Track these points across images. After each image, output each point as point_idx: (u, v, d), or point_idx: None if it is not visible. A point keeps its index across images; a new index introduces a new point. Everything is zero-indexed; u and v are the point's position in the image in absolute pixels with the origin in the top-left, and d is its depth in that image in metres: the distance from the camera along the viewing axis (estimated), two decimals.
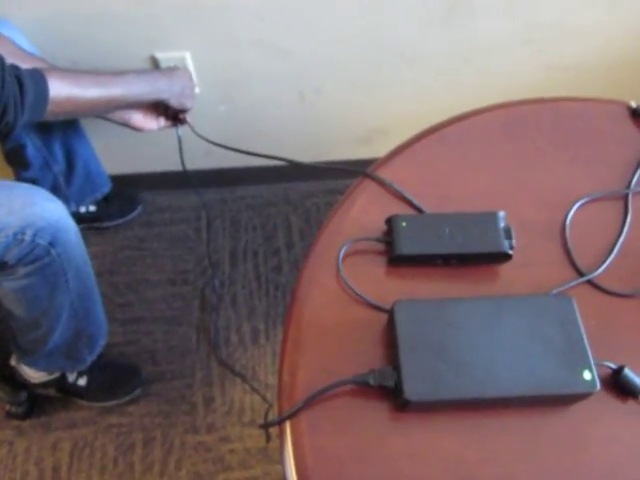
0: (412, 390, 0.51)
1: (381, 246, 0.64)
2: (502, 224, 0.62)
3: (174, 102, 1.02)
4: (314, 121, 1.34)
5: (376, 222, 0.65)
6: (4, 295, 0.93)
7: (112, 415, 1.23)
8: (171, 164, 1.25)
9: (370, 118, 1.35)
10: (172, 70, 1.03)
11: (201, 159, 1.37)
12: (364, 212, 0.67)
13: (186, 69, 1.09)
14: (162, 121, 1.08)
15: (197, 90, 1.17)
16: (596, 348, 0.58)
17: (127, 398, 1.22)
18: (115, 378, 1.23)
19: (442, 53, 1.22)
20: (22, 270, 0.87)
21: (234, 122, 1.34)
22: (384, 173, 0.70)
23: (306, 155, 1.43)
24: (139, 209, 1.49)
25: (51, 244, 0.86)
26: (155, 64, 1.16)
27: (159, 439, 1.20)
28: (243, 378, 1.25)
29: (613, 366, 0.56)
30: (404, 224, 0.62)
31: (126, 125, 1.04)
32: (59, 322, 0.99)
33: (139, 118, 1.04)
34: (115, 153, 1.40)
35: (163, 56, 1.15)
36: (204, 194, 1.48)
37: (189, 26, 1.10)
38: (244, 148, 1.38)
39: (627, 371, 0.56)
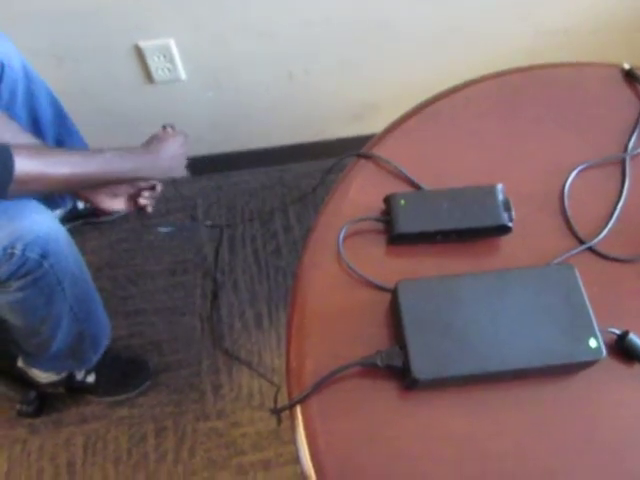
0: (420, 369, 0.51)
1: (380, 225, 0.63)
2: (501, 197, 0.61)
3: (159, 178, 0.95)
4: (305, 101, 1.32)
5: (374, 202, 0.64)
6: (0, 307, 0.92)
7: (123, 407, 1.23)
8: None
9: (361, 94, 1.34)
10: (160, 142, 0.93)
11: (191, 146, 1.35)
12: (362, 192, 0.67)
13: (178, 134, 0.96)
14: (131, 204, 0.99)
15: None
16: (600, 315, 0.58)
17: (137, 391, 1.23)
18: (123, 372, 1.23)
19: (428, 23, 1.20)
20: (15, 284, 0.85)
21: (223, 107, 1.32)
22: (379, 152, 0.70)
23: (298, 136, 1.43)
24: None
25: (43, 256, 0.83)
26: (139, 54, 1.14)
27: (171, 428, 1.21)
28: (249, 365, 1.26)
29: (618, 332, 0.57)
30: (402, 202, 0.61)
31: (90, 203, 0.97)
32: (59, 328, 0.98)
33: (106, 198, 0.96)
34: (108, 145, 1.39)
35: (147, 44, 1.13)
36: (198, 182, 1.48)
37: (172, 12, 1.08)
38: (235, 132, 1.38)
39: (632, 336, 0.56)
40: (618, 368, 0.57)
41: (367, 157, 0.68)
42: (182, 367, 1.28)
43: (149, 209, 0.99)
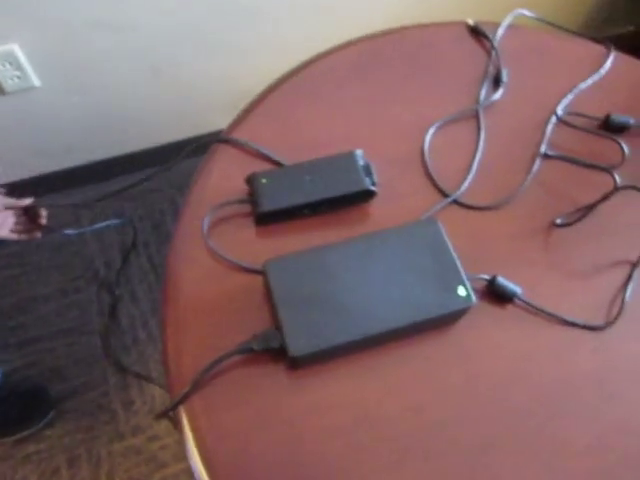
0: (296, 346, 0.50)
1: (247, 207, 0.61)
2: (361, 162, 0.61)
3: None
4: (176, 96, 1.27)
5: (239, 185, 0.62)
6: None
7: (28, 444, 1.15)
8: (39, 167, 1.16)
9: (236, 83, 1.30)
10: None
11: (63, 157, 1.27)
12: (224, 177, 0.64)
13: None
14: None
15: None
16: (471, 264, 0.59)
17: (40, 424, 1.15)
18: (23, 407, 1.15)
19: (294, 3, 1.18)
20: None
21: (93, 111, 1.25)
22: (240, 133, 0.68)
23: (178, 132, 1.38)
24: None
25: None
26: None
27: (84, 455, 1.14)
28: (145, 378, 1.21)
29: (487, 277, 0.58)
30: (264, 180, 0.60)
31: None
32: None
33: None
34: None
35: None
36: (77, 194, 1.39)
37: (12, 15, 1.00)
38: (111, 136, 1.30)
39: (500, 279, 0.58)
40: (493, 312, 0.58)
41: (225, 141, 0.66)
42: (88, 390, 1.21)
43: (43, 221, 0.90)
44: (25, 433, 1.15)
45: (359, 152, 0.62)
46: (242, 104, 1.37)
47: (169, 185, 1.45)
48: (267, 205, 0.58)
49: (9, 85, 1.08)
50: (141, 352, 1.25)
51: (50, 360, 1.23)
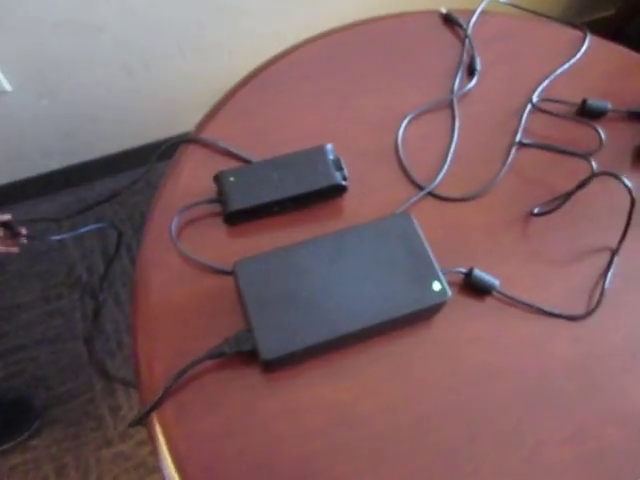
0: (268, 349, 0.49)
1: (217, 207, 0.60)
2: (331, 157, 0.60)
3: None
4: (152, 97, 1.25)
5: (208, 184, 0.61)
6: None
7: (14, 455, 1.14)
8: (15, 173, 1.13)
9: (213, 82, 1.28)
10: None
11: (39, 162, 1.25)
12: (193, 177, 0.63)
13: None
14: None
15: None
16: (447, 257, 0.59)
17: (25, 435, 1.13)
18: (7, 418, 1.13)
19: None
20: None
21: (64, 115, 1.22)
22: (209, 132, 0.66)
23: (156, 133, 1.36)
24: None
25: None
26: None
27: (72, 464, 1.13)
28: (131, 384, 1.19)
29: (463, 270, 0.57)
30: (232, 179, 0.58)
31: None
32: None
33: None
34: None
35: None
36: (56, 199, 1.37)
37: None
38: (87, 140, 1.27)
39: (477, 271, 0.57)
40: (471, 305, 0.57)
41: (193, 141, 0.64)
42: (74, 397, 1.19)
43: (23, 240, 0.87)
44: (10, 444, 1.13)
45: (329, 146, 0.60)
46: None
47: (148, 187, 1.43)
48: (235, 204, 0.57)
49: None
50: (126, 357, 1.23)
51: (34, 368, 1.22)
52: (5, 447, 1.12)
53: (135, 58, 1.14)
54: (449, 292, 0.52)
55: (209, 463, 0.49)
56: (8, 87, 1.07)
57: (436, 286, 0.52)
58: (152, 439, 0.51)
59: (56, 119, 1.18)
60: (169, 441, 0.50)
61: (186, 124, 1.34)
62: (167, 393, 0.51)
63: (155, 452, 0.51)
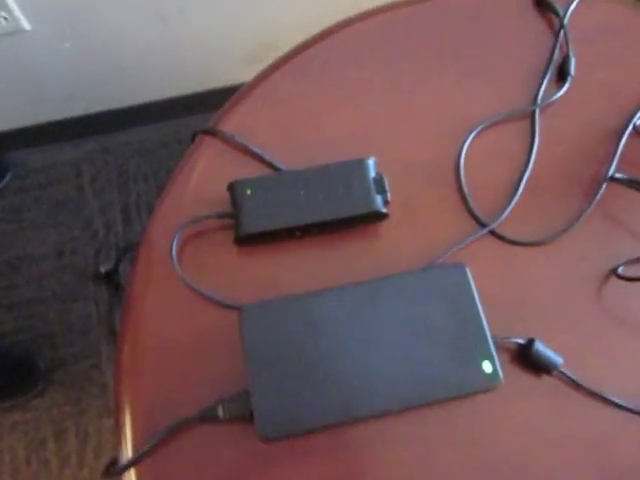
0: (267, 425, 0.40)
1: (229, 221, 0.49)
2: (372, 174, 0.48)
3: None
4: (186, 46, 1.12)
5: (221, 191, 0.50)
6: None
7: (15, 412, 1.10)
8: (36, 116, 1.04)
9: (253, 33, 1.14)
10: None
11: (63, 106, 1.15)
12: (207, 180, 0.52)
13: None
14: None
15: None
16: (503, 316, 0.47)
17: (29, 395, 1.10)
18: (11, 376, 1.09)
19: None
20: None
21: (88, 60, 1.10)
22: (231, 123, 0.55)
23: (186, 85, 1.24)
24: (9, 175, 1.28)
25: None
26: None
27: (72, 429, 1.09)
28: None
29: (521, 341, 0.46)
30: (249, 191, 0.47)
31: None
32: None
33: None
34: None
35: None
36: (80, 146, 1.28)
37: None
38: (112, 87, 1.17)
39: (538, 344, 0.46)
40: (523, 383, 0.46)
41: (210, 134, 0.53)
42: (79, 360, 1.14)
43: None
44: (13, 402, 1.10)
45: (371, 161, 0.49)
46: (261, 57, 1.22)
47: (177, 141, 1.33)
48: (249, 227, 0.46)
49: None
50: None
51: (41, 325, 1.17)
52: (6, 405, 1.09)
53: (169, 4, 1.01)
54: (501, 377, 0.42)
55: None
56: (27, 26, 0.96)
57: (487, 367, 0.42)
58: None
59: (80, 64, 1.07)
60: None
61: (222, 78, 1.22)
62: (145, 454, 0.42)
63: None
